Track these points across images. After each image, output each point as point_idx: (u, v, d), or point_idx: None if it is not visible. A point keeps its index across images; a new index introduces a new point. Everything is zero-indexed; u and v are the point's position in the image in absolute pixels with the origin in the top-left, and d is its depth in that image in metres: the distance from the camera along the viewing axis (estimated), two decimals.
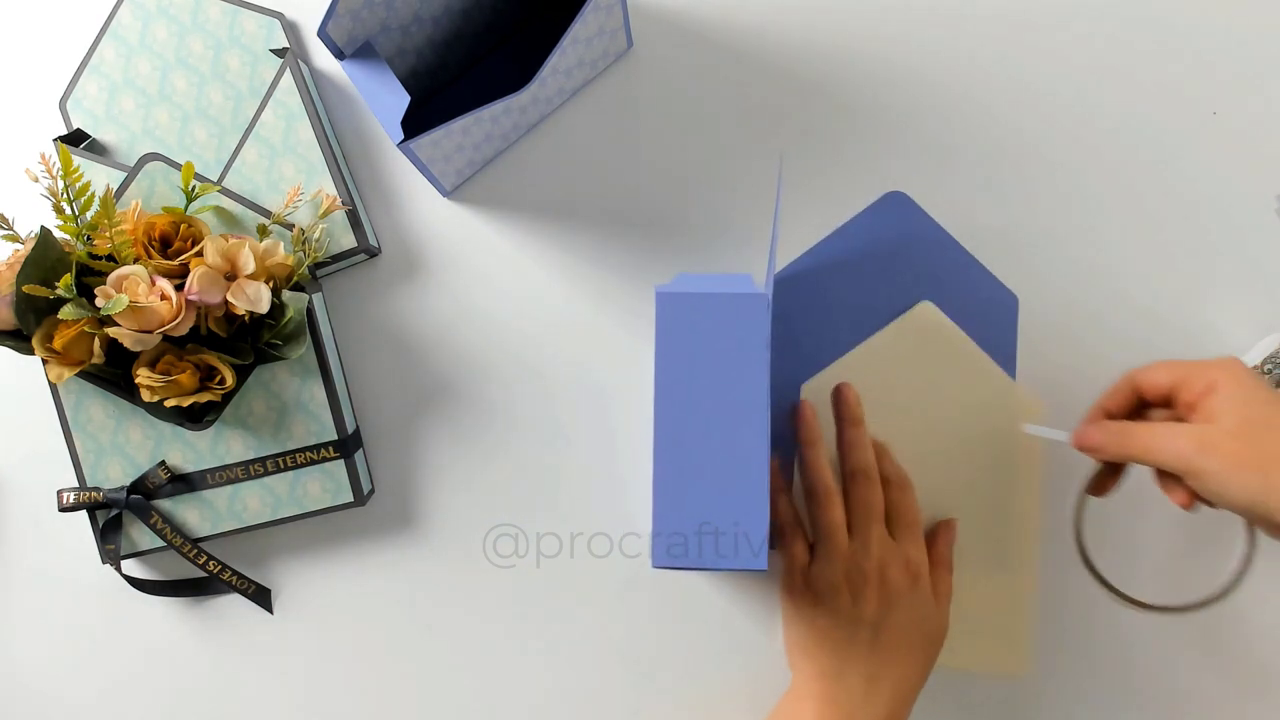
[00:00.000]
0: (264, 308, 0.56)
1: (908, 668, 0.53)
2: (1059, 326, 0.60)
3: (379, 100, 0.55)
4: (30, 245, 0.55)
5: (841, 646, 0.53)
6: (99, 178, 0.62)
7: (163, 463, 0.61)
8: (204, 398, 0.57)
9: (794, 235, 0.62)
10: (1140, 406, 0.53)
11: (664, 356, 0.47)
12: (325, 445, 0.61)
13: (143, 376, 0.56)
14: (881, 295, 0.61)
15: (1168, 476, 0.51)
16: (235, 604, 0.63)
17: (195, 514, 0.62)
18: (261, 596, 0.63)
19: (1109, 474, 0.56)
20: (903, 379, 0.60)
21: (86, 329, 0.55)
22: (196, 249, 0.57)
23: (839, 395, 0.59)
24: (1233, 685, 0.58)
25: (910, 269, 0.61)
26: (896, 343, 0.61)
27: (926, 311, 0.60)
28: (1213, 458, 0.47)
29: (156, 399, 0.56)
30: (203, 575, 0.63)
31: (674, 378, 0.47)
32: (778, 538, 0.58)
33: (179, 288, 0.56)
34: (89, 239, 0.57)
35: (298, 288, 0.60)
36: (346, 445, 0.61)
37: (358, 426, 0.63)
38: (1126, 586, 0.57)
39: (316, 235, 0.60)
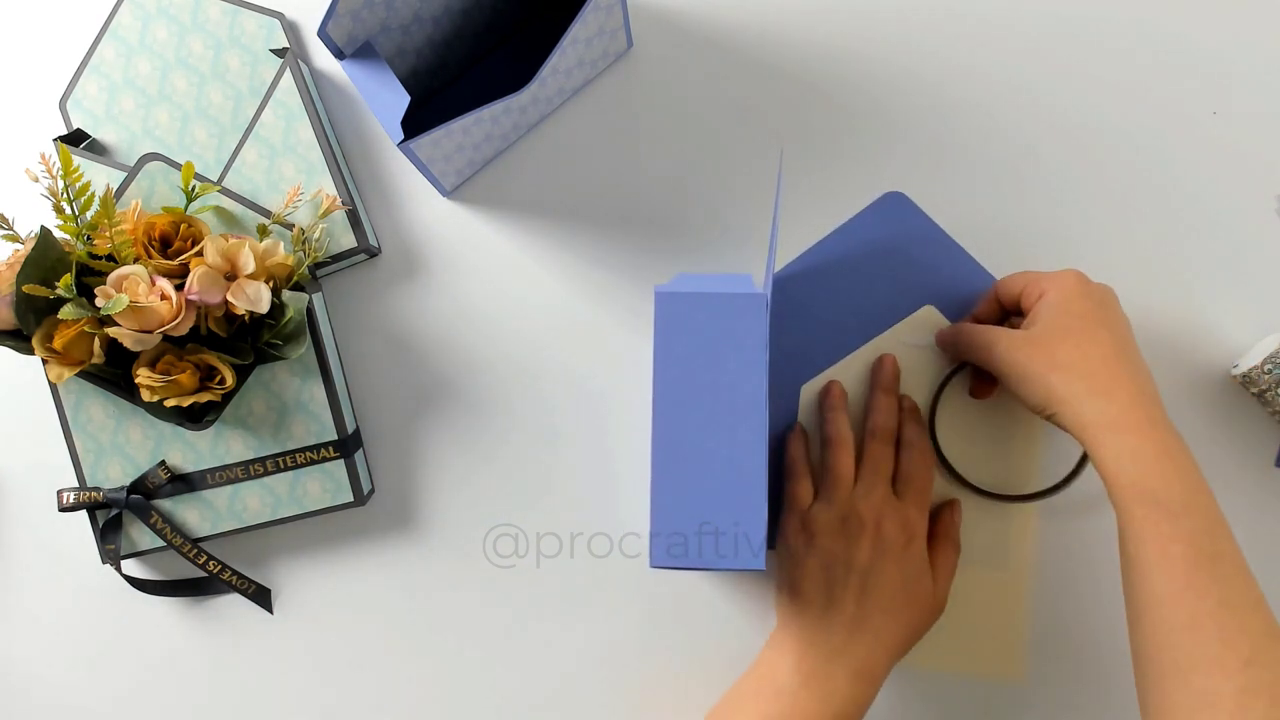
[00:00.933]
0: (264, 308, 0.56)
1: (893, 625, 0.53)
2: None
3: (379, 100, 0.55)
4: (30, 245, 0.55)
5: (828, 589, 0.53)
6: (99, 178, 0.62)
7: (163, 463, 0.61)
8: (204, 398, 0.57)
9: (793, 235, 0.62)
10: (1005, 314, 0.58)
11: (662, 356, 0.47)
12: (325, 445, 0.61)
13: (143, 376, 0.56)
14: (880, 296, 0.61)
15: None
16: (235, 604, 0.63)
17: (195, 514, 0.62)
18: (261, 596, 0.63)
19: (983, 378, 0.59)
20: (904, 383, 0.60)
21: (86, 329, 0.55)
22: (196, 249, 0.57)
23: (879, 363, 0.60)
24: None
25: (909, 269, 0.61)
26: (897, 347, 0.61)
27: (928, 316, 0.60)
28: (1010, 361, 0.51)
29: (156, 399, 0.56)
30: (203, 575, 0.64)
31: (672, 377, 0.47)
32: (786, 478, 0.58)
33: (179, 288, 0.56)
34: (89, 239, 0.57)
35: (298, 288, 0.60)
36: (346, 445, 0.61)
37: (358, 426, 0.63)
38: (974, 478, 0.60)
39: (316, 235, 0.60)
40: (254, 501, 0.61)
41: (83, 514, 0.64)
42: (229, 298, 0.56)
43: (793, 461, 0.58)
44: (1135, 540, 0.47)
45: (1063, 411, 0.50)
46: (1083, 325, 0.51)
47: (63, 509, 0.61)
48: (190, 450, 0.61)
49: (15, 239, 0.57)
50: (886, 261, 0.61)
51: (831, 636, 0.52)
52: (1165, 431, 0.48)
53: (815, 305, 0.61)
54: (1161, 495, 0.46)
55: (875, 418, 0.58)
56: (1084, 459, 0.57)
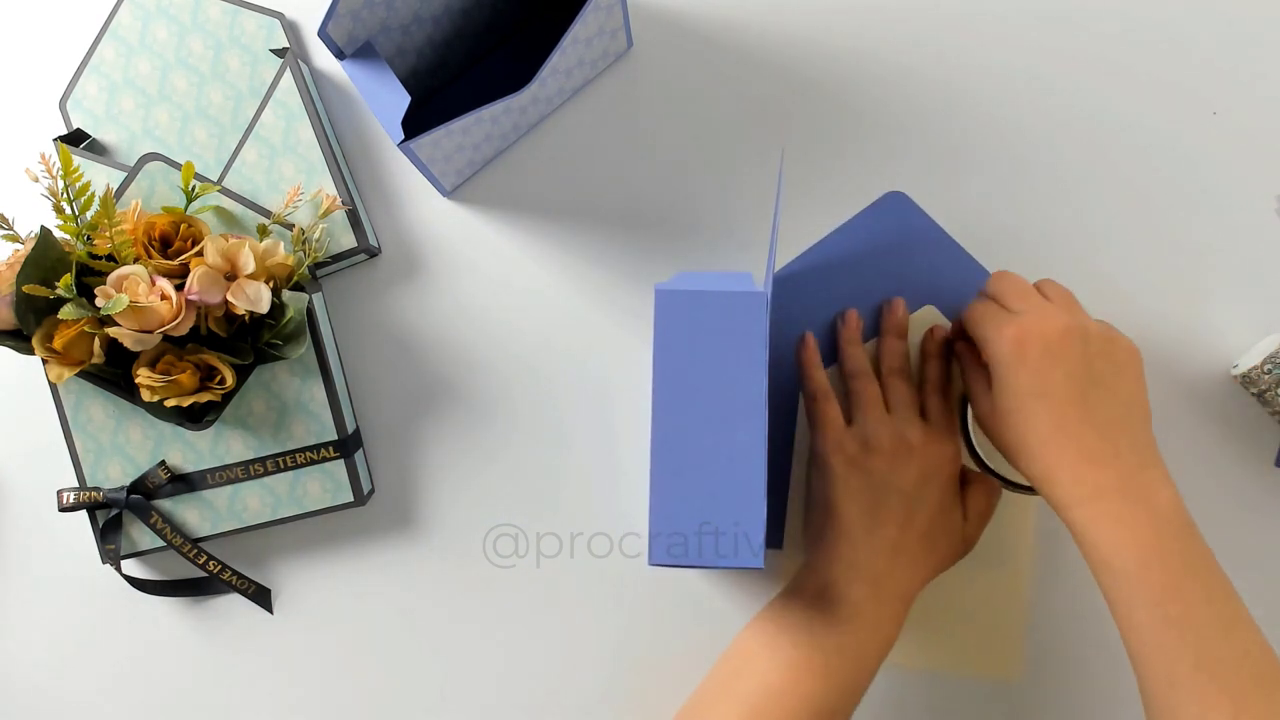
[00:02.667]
0: (264, 308, 0.56)
1: (928, 553, 0.53)
2: None
3: (379, 100, 0.55)
4: (30, 245, 0.55)
5: (873, 510, 0.53)
6: (99, 178, 0.62)
7: (163, 463, 0.61)
8: (204, 398, 0.57)
9: (793, 235, 0.62)
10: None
11: (662, 354, 0.47)
12: (325, 445, 0.61)
13: (143, 376, 0.56)
14: (880, 296, 0.61)
15: None
16: (235, 604, 0.63)
17: (195, 514, 0.62)
18: (261, 596, 0.63)
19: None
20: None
21: (86, 329, 0.55)
22: (196, 249, 0.57)
23: (889, 306, 0.59)
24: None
25: (909, 269, 0.61)
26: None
27: (928, 316, 0.60)
28: (985, 429, 0.53)
29: (156, 399, 0.56)
30: (203, 575, 0.64)
31: (672, 376, 0.47)
32: (812, 399, 0.58)
33: (179, 288, 0.56)
34: (89, 239, 0.57)
35: (298, 288, 0.60)
36: (346, 445, 0.61)
37: (358, 426, 0.63)
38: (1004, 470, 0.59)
39: (316, 235, 0.60)
40: (254, 501, 0.61)
41: (83, 514, 0.64)
42: (229, 298, 0.56)
43: (818, 383, 0.58)
44: (1107, 604, 0.48)
45: (1035, 487, 0.51)
46: (1020, 405, 0.50)
47: (63, 509, 0.61)
48: (190, 450, 0.61)
49: (15, 239, 0.57)
50: (887, 261, 0.61)
51: (876, 560, 0.52)
52: (1113, 500, 0.47)
53: (815, 305, 0.61)
54: (1115, 564, 0.47)
55: (888, 360, 0.58)
56: None
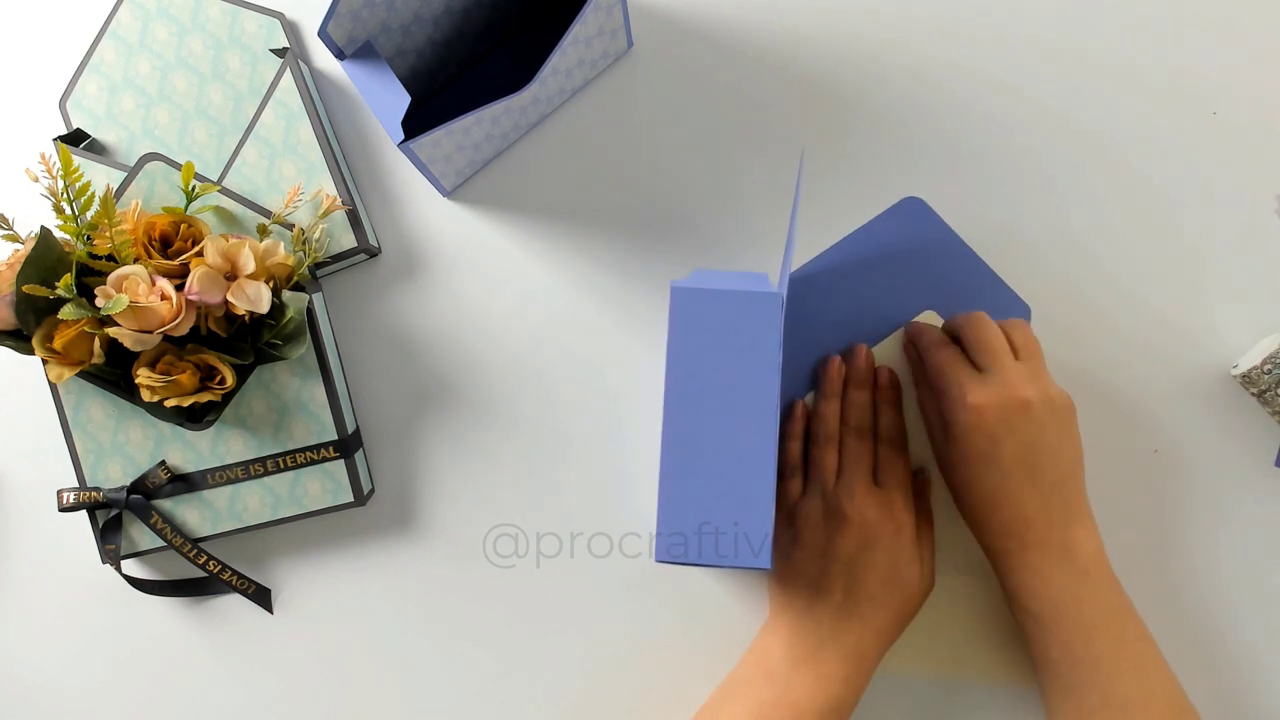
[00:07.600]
0: (264, 308, 0.56)
1: (881, 611, 0.54)
2: (1068, 331, 0.60)
3: (379, 100, 0.55)
4: (30, 245, 0.55)
5: (814, 580, 0.54)
6: (99, 178, 0.62)
7: (163, 463, 0.61)
8: (204, 398, 0.57)
9: (805, 237, 0.62)
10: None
11: (675, 351, 0.47)
12: (325, 445, 0.61)
13: (143, 376, 0.56)
14: (893, 302, 0.60)
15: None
16: (235, 604, 0.63)
17: (195, 514, 0.62)
18: (261, 596, 0.63)
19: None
20: (907, 388, 0.60)
21: (86, 329, 0.55)
22: (196, 249, 0.57)
23: (853, 355, 0.60)
24: (1232, 699, 0.58)
25: (924, 276, 0.60)
26: (899, 352, 0.60)
27: (930, 321, 0.60)
28: (937, 457, 0.57)
29: (156, 399, 0.56)
30: (203, 575, 0.64)
31: (684, 373, 0.47)
32: (779, 477, 0.58)
33: (179, 288, 0.56)
34: (89, 239, 0.57)
35: (298, 288, 0.60)
36: (346, 445, 0.61)
37: (358, 426, 0.63)
38: None
39: (316, 235, 0.60)
40: (254, 501, 0.61)
41: (83, 514, 0.64)
42: (229, 298, 0.56)
43: (784, 460, 0.59)
44: (1028, 648, 0.53)
45: (970, 527, 0.55)
46: (969, 463, 0.53)
47: (63, 509, 0.61)
48: (190, 450, 0.61)
49: (15, 239, 0.57)
50: (901, 267, 0.61)
51: (820, 624, 0.53)
52: (1034, 554, 0.52)
53: (827, 307, 0.61)
54: (1033, 610, 0.52)
55: (852, 414, 0.59)
56: None
